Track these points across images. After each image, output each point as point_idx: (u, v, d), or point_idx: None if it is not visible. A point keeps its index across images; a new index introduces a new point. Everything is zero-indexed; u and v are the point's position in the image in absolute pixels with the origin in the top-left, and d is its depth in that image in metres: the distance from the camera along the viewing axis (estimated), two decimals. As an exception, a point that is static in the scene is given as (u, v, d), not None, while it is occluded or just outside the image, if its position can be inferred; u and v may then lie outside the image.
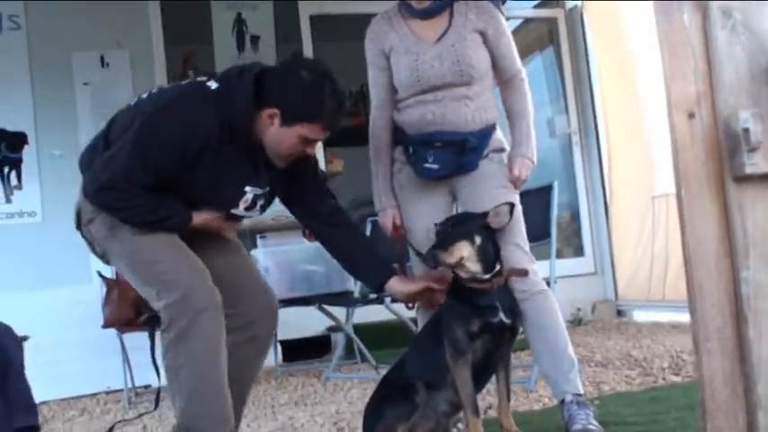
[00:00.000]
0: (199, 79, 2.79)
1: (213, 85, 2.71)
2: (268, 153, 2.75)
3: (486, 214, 2.86)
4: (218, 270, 2.76)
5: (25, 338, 2.96)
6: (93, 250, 2.86)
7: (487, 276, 2.83)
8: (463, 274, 2.83)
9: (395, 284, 2.97)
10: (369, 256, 3.05)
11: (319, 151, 6.60)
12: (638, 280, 6.61)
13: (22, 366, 2.87)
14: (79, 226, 2.86)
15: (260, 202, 2.84)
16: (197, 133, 2.62)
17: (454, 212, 3.19)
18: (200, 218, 2.75)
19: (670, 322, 6.03)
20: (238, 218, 2.90)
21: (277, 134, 2.69)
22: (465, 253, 2.80)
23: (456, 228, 2.85)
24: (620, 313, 6.85)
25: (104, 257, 2.85)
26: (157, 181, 2.65)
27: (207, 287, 2.63)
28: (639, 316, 6.62)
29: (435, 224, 2.92)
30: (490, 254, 2.84)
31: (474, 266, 2.82)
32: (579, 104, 7.17)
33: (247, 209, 2.83)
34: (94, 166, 2.70)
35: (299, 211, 3.08)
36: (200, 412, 2.57)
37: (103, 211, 2.71)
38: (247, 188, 2.78)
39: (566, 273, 6.02)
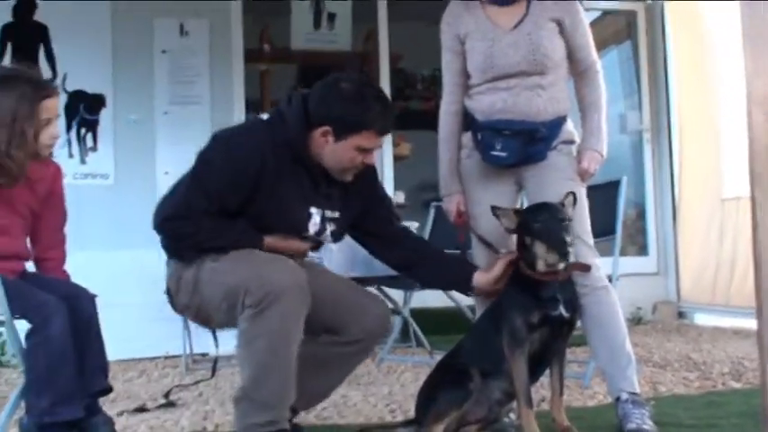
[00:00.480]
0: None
1: (264, 116, 2.81)
2: (331, 171, 2.78)
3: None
4: (320, 295, 2.77)
5: (92, 296, 3.02)
6: (197, 319, 2.87)
7: (562, 266, 2.79)
8: (543, 268, 2.77)
9: (480, 278, 2.95)
10: (448, 266, 3.05)
11: (388, 136, 6.59)
12: (703, 283, 6.49)
13: (99, 329, 2.92)
14: (174, 305, 2.90)
15: (330, 228, 2.85)
16: (250, 158, 2.66)
17: (519, 202, 3.15)
18: (272, 239, 2.74)
19: (733, 328, 5.92)
20: (312, 242, 2.87)
21: (334, 150, 2.71)
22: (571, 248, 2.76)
23: (563, 217, 2.80)
24: (681, 315, 6.74)
25: (206, 320, 2.80)
26: (222, 209, 2.68)
27: (289, 268, 2.64)
28: (701, 319, 6.50)
29: (495, 207, 2.87)
30: None
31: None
32: (653, 101, 7.05)
33: (317, 233, 2.83)
34: (159, 202, 2.76)
35: (372, 242, 3.06)
36: (266, 385, 2.58)
37: (175, 257, 2.78)
38: (312, 209, 2.80)
39: (628, 271, 5.90)
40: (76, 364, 2.78)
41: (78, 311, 2.84)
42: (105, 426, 2.93)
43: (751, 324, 5.73)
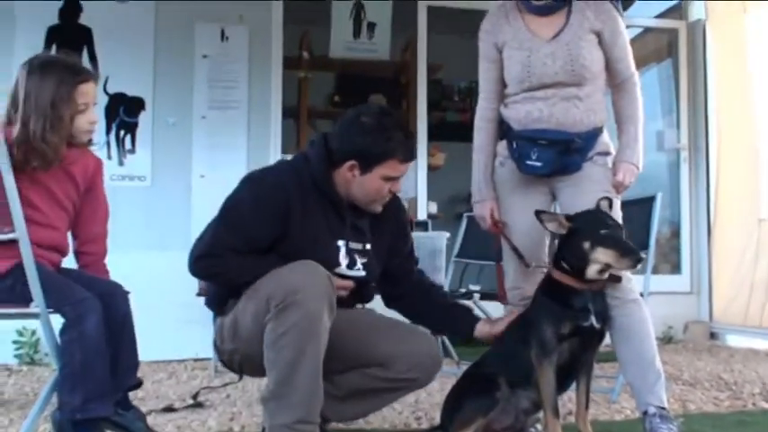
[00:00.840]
0: None
1: (288, 157, 2.88)
2: (360, 204, 2.83)
3: None
4: (369, 329, 2.89)
5: (128, 294, 3.04)
6: (246, 365, 2.84)
7: (596, 277, 2.79)
8: (593, 275, 2.78)
9: (482, 330, 2.99)
10: (453, 319, 3.07)
11: (422, 143, 6.61)
12: (736, 304, 6.40)
13: (133, 327, 2.95)
14: (223, 358, 2.95)
15: (360, 260, 2.87)
16: (276, 195, 2.72)
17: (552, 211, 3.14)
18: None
19: (765, 350, 5.83)
20: (347, 278, 2.85)
21: (361, 183, 2.78)
22: None
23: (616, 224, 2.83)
24: (713, 336, 6.65)
25: (253, 359, 2.73)
26: (252, 247, 2.72)
27: (309, 267, 2.64)
28: (734, 341, 6.41)
29: (539, 211, 2.87)
30: None
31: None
32: (692, 120, 6.98)
33: (349, 266, 2.85)
34: (192, 245, 2.78)
35: (386, 282, 3.06)
36: (293, 383, 2.57)
37: (218, 312, 2.85)
38: (339, 242, 2.83)
39: (661, 289, 5.86)
40: (110, 362, 2.80)
41: (113, 308, 2.87)
42: (139, 421, 2.96)
43: (785, 347, 5.67)
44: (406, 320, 3.13)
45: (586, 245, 2.76)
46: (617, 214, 2.97)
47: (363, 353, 2.88)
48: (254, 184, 2.78)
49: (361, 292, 2.92)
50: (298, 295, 2.54)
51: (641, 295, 3.13)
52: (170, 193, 5.74)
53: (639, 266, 2.75)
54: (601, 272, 2.77)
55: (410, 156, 2.82)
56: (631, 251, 2.72)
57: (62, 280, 2.85)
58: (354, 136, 2.74)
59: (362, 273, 2.87)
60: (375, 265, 2.93)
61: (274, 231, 2.72)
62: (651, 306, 3.64)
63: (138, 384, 3.03)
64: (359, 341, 2.89)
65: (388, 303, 3.11)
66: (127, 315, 2.93)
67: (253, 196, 2.74)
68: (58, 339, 2.77)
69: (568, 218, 2.85)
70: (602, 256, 2.74)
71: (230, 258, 2.71)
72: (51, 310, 2.80)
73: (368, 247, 2.89)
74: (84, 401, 2.70)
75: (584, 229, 2.79)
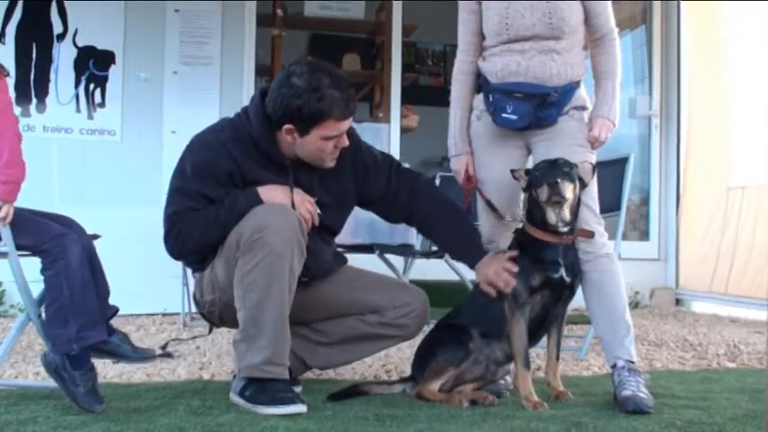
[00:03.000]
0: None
1: (232, 115, 2.84)
2: (310, 163, 2.81)
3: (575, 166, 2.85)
4: (365, 281, 3.04)
5: (96, 236, 3.03)
6: (225, 315, 2.84)
7: (566, 229, 2.81)
8: (553, 218, 2.80)
9: (481, 270, 2.95)
10: (462, 240, 3.04)
11: (396, 106, 6.60)
12: (702, 271, 6.48)
13: (98, 256, 2.95)
14: (203, 311, 2.96)
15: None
16: (217, 156, 2.72)
17: (527, 166, 3.14)
18: (267, 191, 2.75)
19: (730, 316, 5.92)
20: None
21: (302, 145, 2.75)
22: (571, 195, 2.78)
23: (567, 169, 2.82)
24: (678, 302, 6.74)
25: (231, 308, 2.74)
26: (206, 203, 2.73)
27: (276, 208, 2.67)
28: (698, 307, 6.50)
29: (513, 170, 2.92)
30: (575, 207, 2.84)
31: (567, 214, 2.81)
32: (664, 87, 7.02)
33: None
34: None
35: (383, 207, 3.09)
36: (261, 323, 2.60)
37: (185, 256, 2.86)
38: None
39: (628, 255, 5.93)
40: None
41: (83, 243, 2.86)
42: (124, 343, 3.04)
43: (748, 314, 5.75)
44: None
45: (534, 192, 2.81)
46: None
47: (358, 301, 2.97)
48: (194, 148, 2.78)
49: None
50: (263, 232, 2.57)
51: (613, 254, 3.15)
52: (140, 149, 5.70)
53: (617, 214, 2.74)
54: (555, 213, 2.79)
55: (347, 112, 2.75)
56: (551, 181, 2.74)
57: (33, 217, 2.82)
58: (286, 99, 2.68)
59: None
60: (331, 215, 2.93)
61: (221, 191, 2.72)
62: (619, 270, 3.70)
63: (116, 311, 3.05)
64: (354, 291, 2.99)
65: (419, 229, 3.24)
66: (92, 247, 2.93)
67: (194, 161, 2.74)
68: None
69: (527, 172, 2.89)
70: (540, 194, 2.78)
71: (191, 217, 2.71)
72: (29, 251, 2.77)
73: (314, 199, 2.86)
74: (79, 330, 2.71)
75: (535, 176, 2.84)
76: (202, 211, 2.71)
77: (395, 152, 6.53)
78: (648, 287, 6.76)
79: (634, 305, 6.50)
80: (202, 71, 5.89)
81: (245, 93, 5.95)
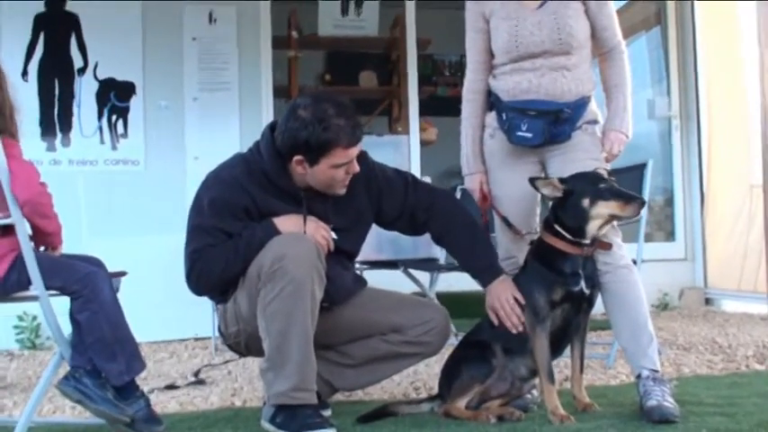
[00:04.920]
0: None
1: (245, 151, 2.91)
2: (322, 190, 2.86)
3: None
4: (385, 301, 3.08)
5: (123, 274, 3.07)
6: (250, 345, 2.91)
7: (588, 241, 2.85)
8: (593, 232, 2.84)
9: (489, 295, 3.00)
10: (477, 259, 3.06)
11: (414, 119, 6.65)
12: (730, 269, 6.46)
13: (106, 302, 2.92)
14: (228, 342, 3.02)
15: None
16: (231, 191, 2.79)
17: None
18: (283, 221, 2.81)
19: (760, 314, 5.89)
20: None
21: (314, 174, 2.80)
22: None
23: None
24: (708, 301, 6.72)
25: (256, 339, 2.80)
26: (224, 238, 2.79)
27: (293, 237, 2.73)
28: (728, 306, 6.48)
29: (535, 178, 2.94)
30: None
31: (605, 228, 2.88)
32: (682, 88, 7.01)
33: None
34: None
35: (402, 226, 3.15)
36: (286, 351, 2.66)
37: (208, 292, 2.93)
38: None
39: (655, 257, 5.95)
40: None
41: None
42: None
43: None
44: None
45: (585, 202, 2.81)
46: None
47: (380, 322, 3.02)
48: (210, 185, 2.85)
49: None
50: (282, 262, 2.63)
51: (635, 263, 3.18)
52: (164, 177, 5.78)
53: (640, 215, 2.78)
54: (601, 228, 2.83)
55: (354, 139, 2.78)
56: (634, 197, 2.80)
57: (60, 260, 2.89)
58: (293, 131, 2.74)
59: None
60: (348, 240, 2.99)
61: (238, 225, 2.79)
62: (646, 273, 3.71)
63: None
64: (375, 312, 3.03)
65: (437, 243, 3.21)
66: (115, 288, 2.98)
67: (210, 198, 2.80)
68: (59, 320, 2.81)
69: (562, 180, 2.89)
70: (604, 209, 2.80)
71: (212, 254, 2.78)
72: (57, 291, 2.82)
73: (330, 227, 2.91)
74: (127, 363, 2.76)
75: (582, 188, 2.84)
76: (222, 246, 2.78)
77: (415, 164, 6.58)
78: (677, 288, 6.75)
79: (663, 306, 6.50)
80: (221, 96, 5.98)
81: (264, 115, 6.03)
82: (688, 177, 6.99)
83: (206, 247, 2.78)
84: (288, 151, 2.77)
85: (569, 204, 2.85)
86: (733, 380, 3.55)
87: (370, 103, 7.40)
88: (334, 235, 2.89)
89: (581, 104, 3.07)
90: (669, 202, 7.06)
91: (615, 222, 2.98)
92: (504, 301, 2.92)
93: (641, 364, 2.94)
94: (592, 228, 2.83)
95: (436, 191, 3.16)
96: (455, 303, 5.31)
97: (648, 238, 6.72)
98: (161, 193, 5.70)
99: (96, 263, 2.89)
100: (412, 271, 4.94)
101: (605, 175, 2.90)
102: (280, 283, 2.63)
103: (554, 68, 3.05)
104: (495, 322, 2.95)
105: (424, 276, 5.05)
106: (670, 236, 7.03)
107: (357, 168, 2.86)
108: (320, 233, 2.83)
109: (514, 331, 2.90)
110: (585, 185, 2.84)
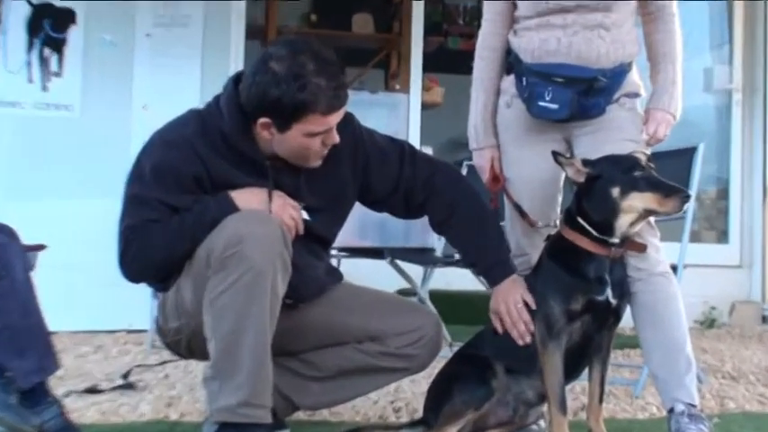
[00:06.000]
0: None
1: (201, 106, 2.87)
2: (292, 162, 2.83)
3: None
4: (364, 301, 3.06)
5: (41, 247, 3.04)
6: (193, 345, 2.87)
7: (617, 240, 2.82)
8: (624, 228, 2.80)
9: (495, 297, 2.99)
10: (483, 234, 3.04)
11: (417, 75, 6.62)
12: (795, 281, 6.49)
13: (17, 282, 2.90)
14: (167, 340, 3.00)
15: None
16: (180, 156, 2.74)
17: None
18: (243, 196, 2.78)
19: (827, 338, 5.93)
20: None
21: (282, 142, 2.76)
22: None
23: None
24: (765, 320, 6.74)
25: (201, 338, 2.76)
26: (168, 212, 2.76)
27: (253, 215, 2.70)
28: (790, 326, 6.51)
29: (558, 153, 2.90)
30: None
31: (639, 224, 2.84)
32: (748, 56, 7.01)
33: None
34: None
35: (394, 206, 3.13)
36: (237, 356, 2.62)
37: (146, 278, 2.88)
38: None
39: (703, 262, 5.94)
40: None
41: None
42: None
43: None
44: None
45: (615, 191, 2.77)
46: None
47: (356, 326, 2.98)
48: (154, 147, 2.80)
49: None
50: (239, 245, 2.58)
51: (674, 269, 3.17)
52: (103, 128, 5.75)
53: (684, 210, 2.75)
54: (633, 224, 2.80)
55: (336, 104, 2.73)
56: (676, 189, 2.74)
57: None
58: (262, 87, 2.68)
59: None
60: (323, 222, 2.97)
61: (187, 198, 2.75)
62: (690, 282, 3.72)
63: None
64: (350, 314, 3.01)
65: (437, 232, 3.24)
66: (30, 263, 2.95)
67: (154, 163, 2.76)
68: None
69: (586, 163, 2.86)
70: (638, 201, 2.75)
71: (152, 231, 2.74)
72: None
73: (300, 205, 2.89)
74: (39, 360, 2.74)
75: (612, 174, 2.80)
76: (165, 223, 2.74)
77: (414, 131, 6.58)
78: (728, 301, 6.77)
79: (709, 324, 6.52)
80: (180, 34, 5.95)
81: (232, 60, 6.02)
82: (749, 165, 7.01)
83: (145, 222, 2.75)
84: (253, 111, 2.72)
85: (595, 193, 2.82)
86: (788, 420, 3.55)
87: (364, 52, 7.38)
88: (305, 215, 2.87)
89: (620, 72, 3.04)
90: (723, 194, 7.06)
91: (652, 219, 2.97)
92: (513, 304, 2.90)
93: (675, 395, 2.93)
94: (622, 224, 2.79)
95: (439, 165, 3.13)
96: (452, 306, 5.35)
97: (695, 238, 6.74)
98: (97, 148, 5.67)
99: (8, 232, 2.87)
100: (401, 263, 4.92)
101: (643, 161, 2.85)
102: (234, 271, 2.59)
103: (589, 26, 3.01)
104: (500, 330, 2.93)
105: (415, 270, 5.04)
106: (723, 236, 7.05)
107: (337, 139, 2.82)
108: (288, 212, 2.80)
109: (520, 343, 2.89)
110: (616, 171, 2.80)
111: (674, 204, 2.73)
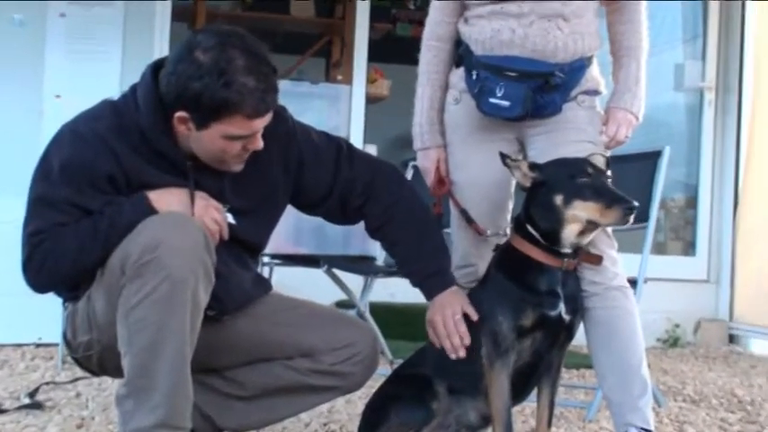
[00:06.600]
0: None
1: (117, 96, 2.84)
2: (208, 163, 2.81)
3: None
4: (296, 313, 3.06)
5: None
6: (105, 361, 2.87)
7: (570, 251, 2.85)
8: (571, 239, 2.82)
9: (432, 310, 3.01)
10: (421, 242, 3.06)
11: (361, 66, 6.64)
12: (765, 299, 6.55)
13: None
14: (77, 356, 2.97)
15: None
16: (91, 153, 2.71)
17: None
18: (161, 197, 2.75)
19: (798, 361, 6.03)
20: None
21: (199, 140, 2.73)
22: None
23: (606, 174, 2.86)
24: (732, 339, 6.84)
25: (115, 353, 2.73)
26: (79, 215, 2.73)
27: (171, 218, 2.69)
28: (758, 347, 6.59)
29: (506, 156, 2.92)
30: None
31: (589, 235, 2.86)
32: (722, 52, 7.07)
33: None
34: None
35: (329, 210, 3.14)
36: (153, 371, 2.60)
37: (53, 288, 2.85)
38: None
39: (667, 275, 6.04)
40: None
41: None
42: None
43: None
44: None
45: (558, 199, 2.80)
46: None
47: (285, 341, 2.99)
48: (63, 143, 2.75)
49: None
50: (157, 251, 2.57)
51: (634, 283, 3.21)
52: (10, 119, 5.69)
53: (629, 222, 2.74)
54: (581, 235, 2.83)
55: (263, 107, 2.70)
56: (620, 199, 2.74)
57: None
58: (183, 78, 2.64)
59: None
60: (251, 226, 2.98)
61: (99, 200, 2.73)
62: (653, 297, 3.75)
63: None
64: (279, 328, 3.01)
65: (374, 238, 3.22)
66: None
67: (63, 160, 2.71)
68: None
69: (534, 167, 2.89)
70: (581, 211, 2.78)
71: (60, 235, 2.72)
72: None
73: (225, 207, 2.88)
74: None
75: (556, 180, 2.83)
76: (75, 226, 2.72)
77: (357, 127, 6.60)
78: (693, 318, 6.85)
79: (672, 342, 6.61)
80: (99, 13, 5.90)
81: (156, 43, 5.98)
82: (719, 170, 7.06)
83: (53, 226, 2.72)
84: (172, 102, 2.69)
85: (539, 199, 2.86)
86: (751, 449, 3.63)
87: (304, 38, 7.40)
88: (230, 218, 2.87)
89: (578, 67, 3.08)
90: (692, 202, 7.11)
91: (609, 228, 3.02)
92: (450, 315, 2.93)
93: (628, 419, 2.97)
94: (568, 234, 2.82)
95: (379, 166, 3.16)
96: (395, 319, 5.38)
97: (660, 250, 6.83)
98: (2, 143, 5.61)
99: None
100: (338, 272, 4.93)
101: (599, 165, 2.88)
102: (151, 280, 2.58)
103: (546, 16, 3.04)
104: (436, 343, 2.95)
105: (355, 280, 5.06)
106: (689, 248, 7.12)
107: (260, 145, 2.80)
108: (211, 215, 2.80)
109: (452, 356, 2.90)
110: (561, 176, 2.83)
111: (615, 216, 2.75)
